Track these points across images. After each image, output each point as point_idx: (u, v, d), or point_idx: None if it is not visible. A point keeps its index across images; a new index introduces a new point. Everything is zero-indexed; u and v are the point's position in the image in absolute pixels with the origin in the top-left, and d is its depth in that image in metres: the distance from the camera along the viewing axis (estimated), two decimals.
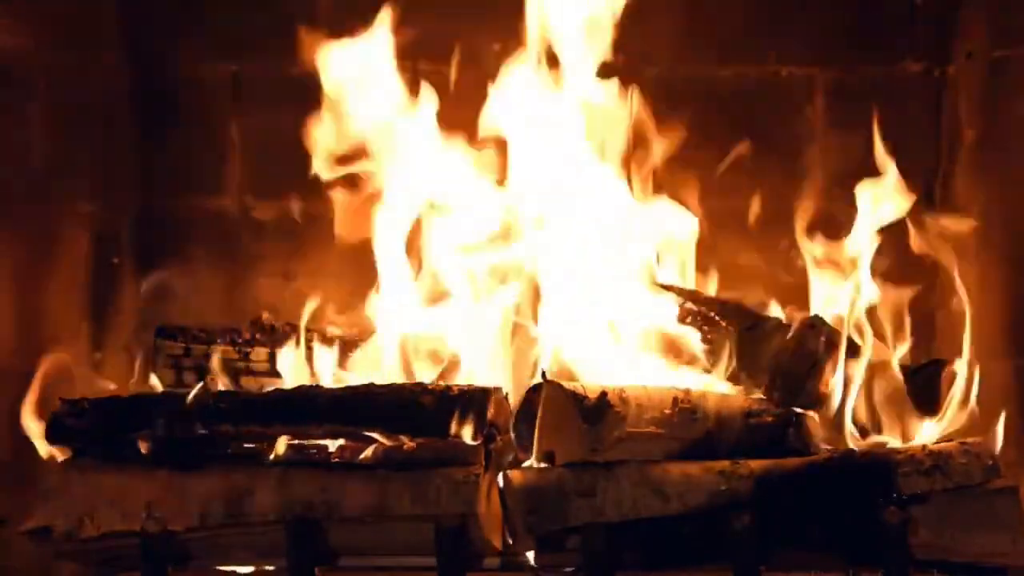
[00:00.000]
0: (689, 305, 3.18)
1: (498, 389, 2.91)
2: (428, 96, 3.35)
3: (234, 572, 2.91)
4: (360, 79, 3.34)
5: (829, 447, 2.98)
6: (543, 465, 2.86)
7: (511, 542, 2.84)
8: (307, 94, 3.65)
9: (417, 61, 3.52)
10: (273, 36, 3.67)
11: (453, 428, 2.82)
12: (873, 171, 3.33)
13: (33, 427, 2.94)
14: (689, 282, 3.37)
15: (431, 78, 3.42)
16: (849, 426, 3.03)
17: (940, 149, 3.63)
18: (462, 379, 3.12)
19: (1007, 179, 3.40)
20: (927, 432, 3.02)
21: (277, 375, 3.25)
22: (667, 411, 2.86)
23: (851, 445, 3.00)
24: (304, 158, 3.63)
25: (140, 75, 3.64)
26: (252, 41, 3.68)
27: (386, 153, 3.34)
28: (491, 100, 3.33)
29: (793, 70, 3.66)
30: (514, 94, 3.32)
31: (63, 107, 3.33)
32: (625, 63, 3.36)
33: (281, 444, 2.88)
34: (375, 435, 2.87)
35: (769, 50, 3.65)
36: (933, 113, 3.64)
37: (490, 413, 2.84)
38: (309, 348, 3.29)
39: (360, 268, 3.35)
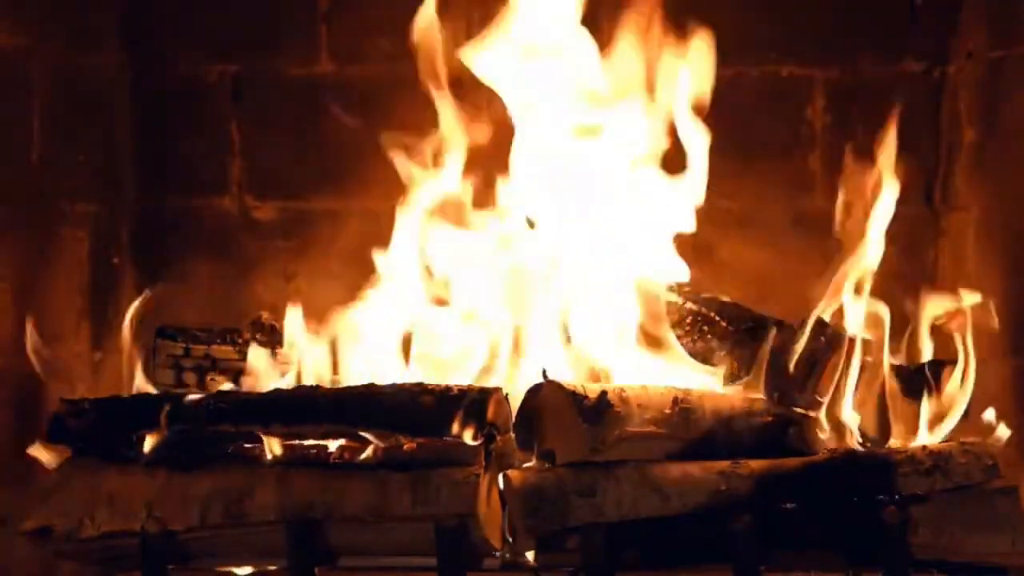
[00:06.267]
0: (689, 305, 3.18)
1: (498, 389, 2.90)
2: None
3: (234, 572, 2.91)
4: None
5: (829, 447, 2.98)
6: (543, 465, 2.86)
7: (511, 542, 2.84)
8: (307, 94, 3.66)
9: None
10: (273, 36, 3.68)
11: (453, 428, 2.82)
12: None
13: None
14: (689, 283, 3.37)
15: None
16: (850, 426, 3.04)
17: (940, 149, 3.63)
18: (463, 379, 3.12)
19: (1007, 179, 3.40)
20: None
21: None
22: (667, 411, 2.86)
23: (851, 445, 3.00)
24: (304, 158, 3.64)
25: (140, 75, 3.64)
26: (252, 41, 3.68)
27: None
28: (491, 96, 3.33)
29: (793, 70, 3.66)
30: (513, 94, 3.32)
31: (63, 106, 3.33)
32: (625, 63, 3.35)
33: (277, 444, 2.88)
34: (375, 435, 2.87)
35: (769, 50, 3.65)
36: (933, 113, 3.64)
37: (490, 413, 2.84)
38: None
39: (360, 268, 3.34)
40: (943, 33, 3.61)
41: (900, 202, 3.27)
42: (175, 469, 2.87)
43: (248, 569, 2.91)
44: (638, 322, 3.11)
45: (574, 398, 2.81)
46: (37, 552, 2.92)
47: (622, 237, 3.23)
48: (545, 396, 2.86)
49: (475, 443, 2.83)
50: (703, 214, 3.33)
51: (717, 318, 3.14)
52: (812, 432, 2.96)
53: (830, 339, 3.03)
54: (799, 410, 2.98)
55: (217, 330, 3.36)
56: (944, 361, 3.13)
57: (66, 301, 3.36)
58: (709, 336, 3.13)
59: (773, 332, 3.07)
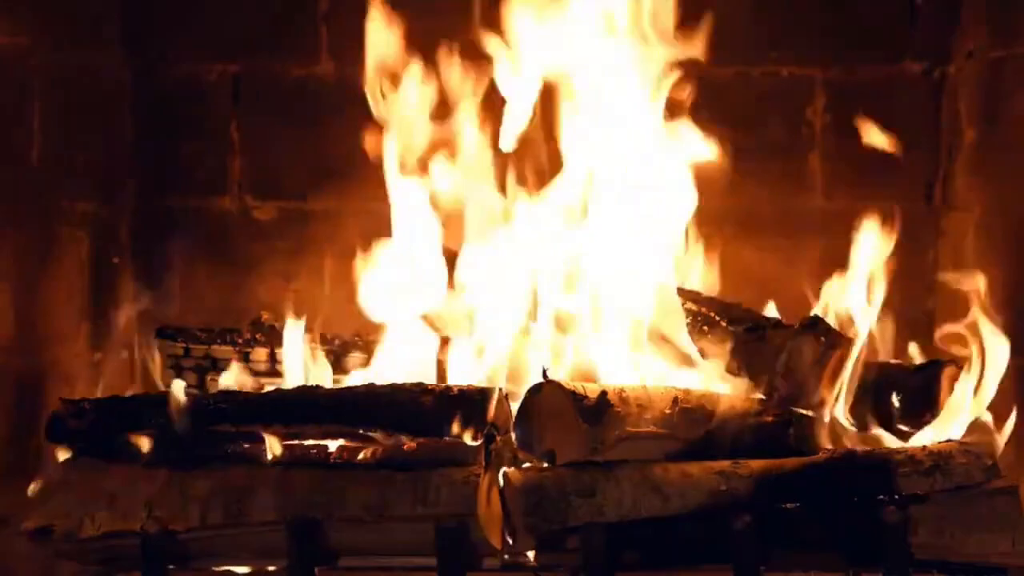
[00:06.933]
0: (690, 306, 3.18)
1: (498, 389, 2.91)
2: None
3: (234, 572, 2.91)
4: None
5: (829, 447, 2.98)
6: (543, 465, 2.86)
7: (511, 542, 2.84)
8: (307, 94, 3.66)
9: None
10: (273, 36, 3.68)
11: (453, 428, 2.82)
12: (873, 171, 3.33)
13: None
14: (690, 283, 3.37)
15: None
16: (848, 426, 3.04)
17: (940, 149, 3.63)
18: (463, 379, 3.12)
19: (1007, 179, 3.40)
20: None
21: (277, 375, 3.25)
22: (667, 411, 2.86)
23: (850, 445, 3.00)
24: (304, 158, 3.64)
25: (140, 75, 3.64)
26: (252, 41, 3.68)
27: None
28: (493, 95, 3.33)
29: (793, 70, 3.66)
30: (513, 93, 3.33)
31: (63, 107, 3.33)
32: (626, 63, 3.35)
33: (277, 444, 2.88)
34: (375, 435, 2.87)
35: (769, 50, 3.65)
36: (933, 113, 3.64)
37: (490, 413, 2.84)
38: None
39: (360, 268, 3.34)
40: (943, 33, 3.62)
41: (900, 202, 3.27)
42: (175, 469, 2.87)
43: (248, 569, 2.91)
44: (649, 321, 3.12)
45: (574, 398, 2.81)
46: (37, 552, 2.92)
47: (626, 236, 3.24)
48: (545, 396, 2.86)
49: (475, 443, 2.83)
50: (703, 214, 3.33)
51: (717, 318, 3.15)
52: (812, 432, 2.96)
53: (830, 340, 3.03)
54: (799, 410, 2.99)
55: (217, 330, 3.37)
56: (944, 361, 3.13)
57: (66, 301, 3.36)
58: (709, 336, 3.14)
59: (774, 333, 3.08)
